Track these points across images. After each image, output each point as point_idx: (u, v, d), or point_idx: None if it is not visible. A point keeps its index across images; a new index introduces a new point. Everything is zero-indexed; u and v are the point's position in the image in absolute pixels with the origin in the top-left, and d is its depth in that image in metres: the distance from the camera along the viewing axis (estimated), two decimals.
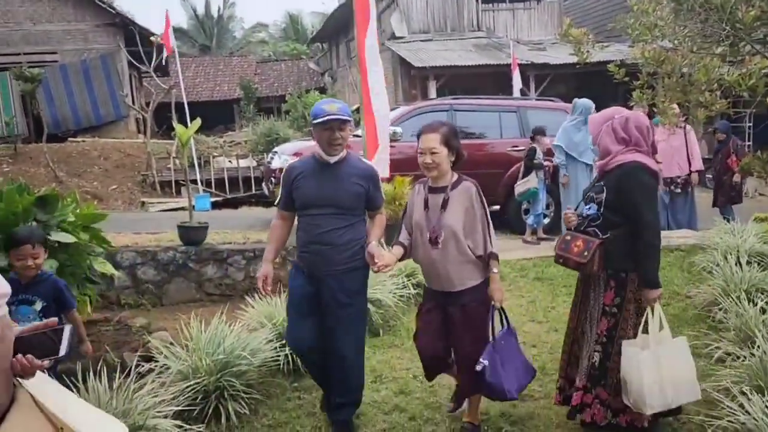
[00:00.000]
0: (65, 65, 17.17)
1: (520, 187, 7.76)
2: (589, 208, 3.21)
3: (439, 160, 3.09)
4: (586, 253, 3.07)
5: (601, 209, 3.13)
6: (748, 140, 13.20)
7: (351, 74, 19.80)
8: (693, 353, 4.15)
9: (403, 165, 7.90)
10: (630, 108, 7.35)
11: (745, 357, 3.53)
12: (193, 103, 18.48)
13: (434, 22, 18.73)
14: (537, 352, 4.37)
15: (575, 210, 3.36)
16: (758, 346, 3.48)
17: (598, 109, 8.80)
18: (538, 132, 7.84)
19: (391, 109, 10.09)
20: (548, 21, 19.26)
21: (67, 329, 1.56)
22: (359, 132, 7.65)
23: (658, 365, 2.95)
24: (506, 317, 3.31)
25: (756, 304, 4.20)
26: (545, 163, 7.74)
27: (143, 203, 13.30)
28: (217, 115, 23.96)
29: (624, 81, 5.43)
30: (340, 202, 3.18)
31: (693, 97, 5.16)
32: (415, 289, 5.39)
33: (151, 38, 14.68)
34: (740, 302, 4.27)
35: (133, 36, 16.82)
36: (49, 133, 15.24)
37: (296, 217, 3.40)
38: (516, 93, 12.88)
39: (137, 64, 16.49)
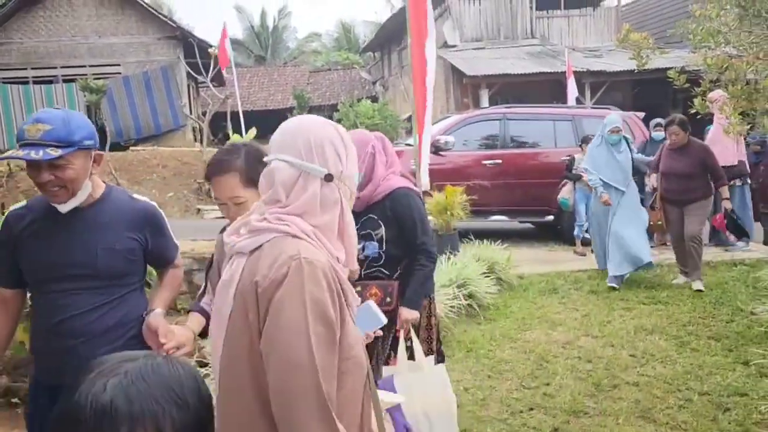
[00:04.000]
0: (128, 77, 17.84)
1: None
2: (365, 247, 2.86)
3: (248, 209, 2.32)
4: (389, 300, 2.81)
5: (383, 246, 2.84)
6: None
7: (402, 83, 19.87)
8: (759, 373, 4.00)
9: (454, 175, 7.88)
10: (690, 116, 7.10)
11: None
12: (247, 113, 18.90)
13: (487, 29, 18.61)
14: (592, 368, 4.26)
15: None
16: None
17: (654, 116, 8.58)
18: (586, 141, 7.65)
19: (443, 118, 10.09)
20: (605, 28, 18.86)
21: (371, 303, 1.78)
22: (411, 141, 7.66)
23: (410, 393, 2.58)
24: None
25: None
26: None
27: (199, 210, 13.67)
28: (271, 124, 24.12)
29: (684, 88, 5.26)
30: (96, 269, 2.04)
31: (759, 105, 4.96)
32: (467, 300, 5.34)
33: (210, 50, 15.12)
34: None
35: (192, 48, 17.36)
36: (113, 142, 15.86)
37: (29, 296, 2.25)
38: (571, 101, 12.63)
39: (195, 75, 17.00)
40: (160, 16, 18.34)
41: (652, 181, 6.56)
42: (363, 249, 2.86)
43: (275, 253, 1.33)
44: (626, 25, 5.84)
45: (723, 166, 7.10)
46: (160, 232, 2.24)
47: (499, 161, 8.62)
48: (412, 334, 2.82)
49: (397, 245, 2.84)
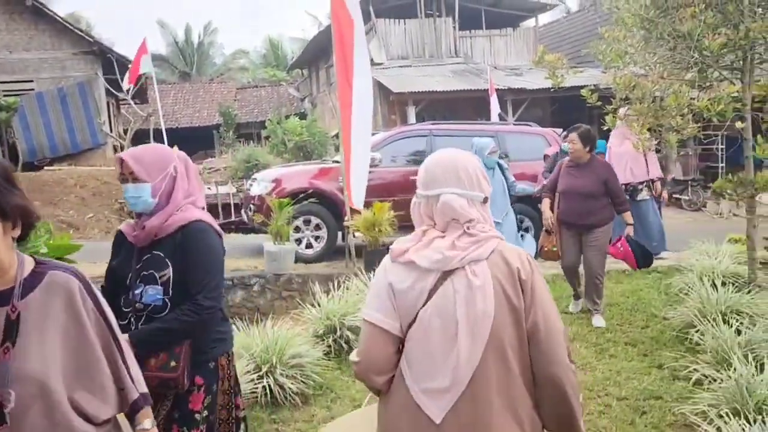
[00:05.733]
0: (42, 93, 17.05)
1: None
2: (144, 294, 2.26)
3: None
4: (173, 363, 2.19)
5: (169, 292, 2.25)
6: (721, 162, 13.45)
7: (331, 100, 19.91)
8: (671, 376, 4.21)
9: (382, 191, 7.93)
10: (607, 132, 7.42)
11: (721, 380, 3.54)
12: (172, 130, 18.44)
13: (412, 48, 18.96)
14: None
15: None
16: (734, 369, 3.50)
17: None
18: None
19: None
20: (524, 47, 19.59)
21: None
22: (338, 158, 7.67)
23: None
24: None
25: (731, 326, 4.24)
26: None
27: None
28: (196, 142, 23.88)
29: (597, 105, 5.52)
30: None
31: (665, 122, 5.26)
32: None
33: (130, 66, 14.67)
34: (716, 324, 4.31)
35: (111, 63, 16.81)
36: (25, 161, 15.12)
37: None
38: (494, 118, 13.02)
39: (115, 92, 16.45)
40: (75, 30, 17.65)
41: (544, 207, 5.74)
42: (141, 296, 2.27)
43: (513, 251, 1.71)
44: (541, 46, 6.09)
45: (661, 180, 7.44)
46: None
47: None
48: None
49: (187, 290, 2.27)
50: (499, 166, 6.01)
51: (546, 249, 5.74)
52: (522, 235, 6.03)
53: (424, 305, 1.66)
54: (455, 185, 1.72)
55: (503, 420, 1.64)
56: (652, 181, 7.45)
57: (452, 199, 1.70)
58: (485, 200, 1.75)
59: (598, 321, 5.44)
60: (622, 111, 6.03)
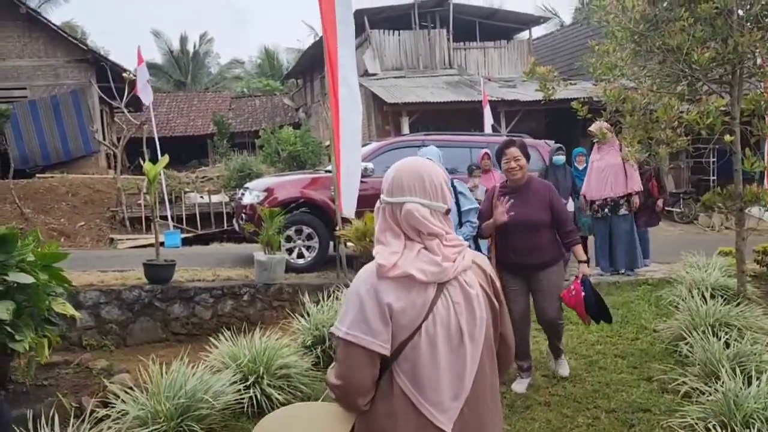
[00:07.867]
0: (35, 101, 17.03)
1: None
2: None
3: None
4: None
5: None
6: (713, 175, 13.52)
7: (324, 110, 19.95)
8: (660, 388, 4.21)
9: (374, 201, 7.92)
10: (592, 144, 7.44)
11: (710, 393, 3.54)
12: (166, 138, 18.41)
13: (407, 59, 19.05)
14: (506, 389, 4.32)
15: None
16: (722, 382, 3.49)
17: (568, 146, 8.99)
18: (471, 169, 7.61)
19: (364, 145, 10.17)
20: (518, 59, 19.70)
21: None
22: (330, 167, 7.67)
23: None
24: None
25: (720, 339, 4.24)
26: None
27: (112, 240, 13.09)
28: (190, 151, 23.86)
29: (588, 118, 5.55)
30: None
31: (655, 134, 5.29)
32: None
33: (124, 74, 14.68)
34: (705, 337, 4.32)
35: (105, 71, 16.80)
36: (17, 168, 15.06)
37: None
38: (487, 129, 13.07)
39: (108, 100, 16.43)
40: (69, 38, 17.67)
41: (488, 225, 4.29)
42: None
43: (479, 257, 1.83)
44: (532, 58, 6.12)
45: (603, 199, 7.21)
46: None
47: None
48: None
49: None
50: (453, 187, 4.59)
51: None
52: None
53: (425, 319, 1.64)
54: (420, 195, 1.72)
55: (494, 411, 1.77)
56: (630, 195, 7.26)
57: (416, 209, 1.70)
58: (447, 212, 1.76)
59: (563, 368, 4.53)
60: (595, 125, 6.01)
